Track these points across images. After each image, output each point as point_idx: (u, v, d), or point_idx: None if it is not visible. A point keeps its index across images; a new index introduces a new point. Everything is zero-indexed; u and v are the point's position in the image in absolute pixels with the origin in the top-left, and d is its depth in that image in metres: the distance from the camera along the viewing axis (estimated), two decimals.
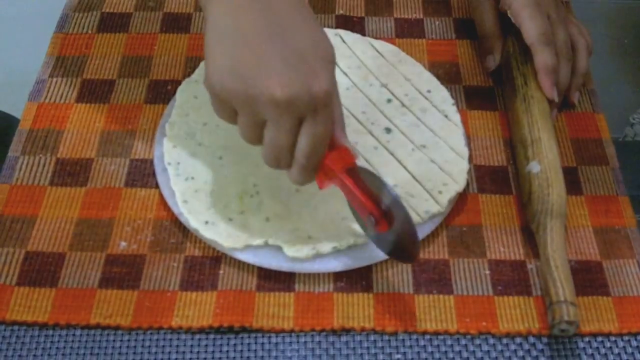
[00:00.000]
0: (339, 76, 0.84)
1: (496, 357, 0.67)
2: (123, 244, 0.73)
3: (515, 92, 0.82)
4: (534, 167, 0.74)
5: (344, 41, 0.88)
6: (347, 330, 0.68)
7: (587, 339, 0.68)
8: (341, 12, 0.95)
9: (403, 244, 0.66)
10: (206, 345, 0.67)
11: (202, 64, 0.85)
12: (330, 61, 0.63)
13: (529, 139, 0.77)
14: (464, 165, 0.77)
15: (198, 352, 0.67)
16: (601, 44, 1.15)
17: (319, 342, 0.67)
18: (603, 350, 0.67)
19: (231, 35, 0.61)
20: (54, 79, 0.87)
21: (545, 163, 0.75)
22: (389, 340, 0.68)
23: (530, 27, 0.82)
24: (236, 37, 0.61)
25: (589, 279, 0.71)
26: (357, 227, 0.71)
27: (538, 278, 0.71)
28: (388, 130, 0.79)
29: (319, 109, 0.61)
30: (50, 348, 0.67)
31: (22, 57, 1.19)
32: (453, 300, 0.70)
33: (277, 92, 0.59)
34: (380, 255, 0.70)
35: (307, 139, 0.62)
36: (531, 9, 0.82)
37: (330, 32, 0.89)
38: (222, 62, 0.61)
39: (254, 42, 0.61)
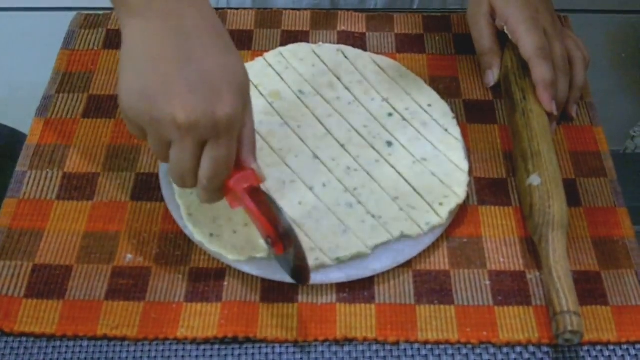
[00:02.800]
0: (341, 91, 0.85)
1: None
2: (129, 256, 0.74)
3: (514, 106, 0.83)
4: (535, 180, 0.76)
5: (345, 57, 0.89)
6: (349, 341, 0.69)
7: (586, 348, 0.69)
8: (343, 28, 0.96)
9: (297, 267, 0.67)
10: (211, 356, 0.68)
11: None
12: (238, 85, 0.64)
13: (529, 153, 0.78)
14: (464, 178, 0.78)
15: None
16: (600, 57, 1.16)
17: (322, 352, 0.68)
18: (602, 359, 0.68)
19: (141, 57, 0.63)
20: (61, 95, 0.88)
21: (545, 176, 0.76)
22: (391, 350, 0.69)
23: (527, 42, 0.83)
24: (146, 60, 0.63)
25: (588, 289, 0.72)
26: (359, 238, 0.72)
27: (537, 288, 0.72)
28: (389, 143, 0.81)
29: (221, 133, 0.63)
30: (57, 359, 0.68)
31: (29, 73, 1.20)
32: (454, 310, 0.70)
33: (180, 115, 0.61)
34: (381, 266, 0.72)
35: (209, 162, 0.64)
36: (528, 25, 0.83)
37: (332, 48, 0.90)
38: (131, 82, 0.63)
39: (162, 65, 0.62)
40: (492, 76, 0.89)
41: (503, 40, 0.90)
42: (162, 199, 0.78)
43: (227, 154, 0.64)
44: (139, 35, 0.64)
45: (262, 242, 0.71)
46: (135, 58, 0.64)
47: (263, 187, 0.70)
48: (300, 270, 0.67)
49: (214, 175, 0.65)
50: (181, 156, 0.64)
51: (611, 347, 0.69)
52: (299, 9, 0.99)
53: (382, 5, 1.09)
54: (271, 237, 0.66)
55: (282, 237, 0.66)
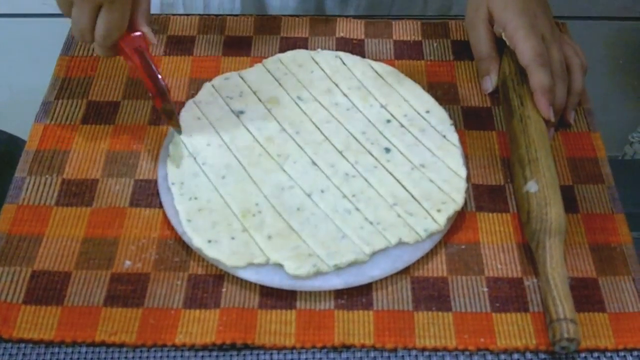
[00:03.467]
0: (340, 97, 0.86)
1: None
2: (128, 262, 0.74)
3: (512, 112, 0.84)
4: (532, 186, 0.76)
5: (344, 63, 0.90)
6: (347, 347, 0.69)
7: (583, 354, 0.69)
8: (341, 34, 0.97)
9: (172, 119, 0.81)
10: None
11: (205, 85, 0.87)
12: None
13: (526, 159, 0.78)
14: (462, 184, 0.78)
15: None
16: (598, 64, 1.17)
17: (320, 358, 0.68)
18: None
19: None
20: (60, 101, 0.88)
21: (543, 182, 0.76)
22: (389, 357, 0.69)
23: (525, 49, 0.83)
24: None
25: (585, 295, 0.72)
26: (357, 245, 0.72)
27: (535, 295, 0.72)
28: (387, 150, 0.81)
29: (114, 0, 0.75)
30: None
31: (29, 79, 1.21)
32: (452, 316, 0.71)
33: None
34: (379, 273, 0.72)
35: (102, 23, 0.76)
36: (525, 31, 0.84)
37: (330, 54, 0.90)
38: None
39: None
40: (490, 82, 0.89)
41: (501, 46, 0.90)
42: (160, 205, 0.78)
43: (119, 17, 0.76)
44: None
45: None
46: None
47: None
48: (175, 121, 0.81)
49: (107, 35, 0.77)
50: (80, 16, 0.76)
51: (608, 354, 0.69)
52: (297, 15, 0.99)
53: (363, 11, 1.09)
54: (152, 92, 0.79)
55: (160, 93, 0.79)
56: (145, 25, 0.80)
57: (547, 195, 0.75)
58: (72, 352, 0.69)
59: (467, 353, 0.69)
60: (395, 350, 0.69)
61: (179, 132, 0.82)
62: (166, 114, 0.81)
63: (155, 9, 1.13)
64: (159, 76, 0.79)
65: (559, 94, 0.84)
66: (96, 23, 0.76)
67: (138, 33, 0.79)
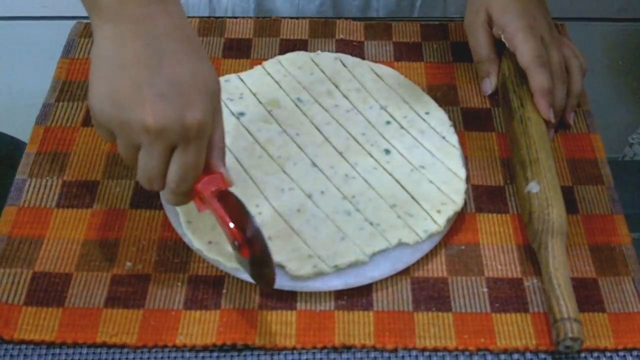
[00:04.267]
0: (340, 99, 0.86)
1: None
2: (128, 264, 0.74)
3: (512, 114, 0.84)
4: (534, 187, 0.76)
5: (344, 65, 0.90)
6: (348, 348, 0.69)
7: (583, 354, 0.69)
8: (341, 36, 0.97)
9: (263, 271, 0.67)
10: None
11: None
12: (208, 93, 0.65)
13: (527, 160, 0.79)
14: (462, 186, 0.78)
15: None
16: (598, 65, 1.17)
17: (321, 359, 0.69)
18: None
19: (112, 61, 0.63)
20: (61, 103, 0.89)
21: (544, 183, 0.76)
22: (389, 357, 0.69)
23: (525, 51, 0.83)
24: (116, 64, 0.63)
25: (585, 295, 0.72)
26: (357, 246, 0.73)
27: (535, 295, 0.72)
28: (387, 151, 0.81)
29: (190, 139, 0.63)
30: None
31: (29, 82, 1.21)
32: (452, 317, 0.71)
33: (149, 120, 0.62)
34: (379, 274, 0.72)
35: (177, 167, 0.65)
36: (525, 33, 0.84)
37: (330, 56, 0.91)
38: (101, 86, 0.64)
39: (132, 70, 0.63)
40: (490, 84, 0.89)
41: (500, 48, 0.90)
42: (161, 207, 0.78)
43: (195, 159, 0.65)
44: (110, 39, 0.64)
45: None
46: (106, 62, 0.64)
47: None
48: (266, 275, 0.67)
49: (182, 180, 0.65)
50: (149, 161, 0.65)
51: (608, 354, 0.69)
52: (297, 18, 0.99)
53: (383, 14, 1.09)
54: (238, 241, 0.66)
55: (248, 242, 0.66)
56: (223, 164, 0.69)
57: (549, 196, 0.75)
58: (73, 354, 0.69)
59: (467, 353, 0.69)
60: (395, 350, 0.69)
61: (270, 287, 0.70)
62: (256, 267, 0.68)
63: None
64: (252, 220, 0.67)
65: (558, 95, 0.84)
66: (169, 167, 0.65)
67: (215, 174, 0.68)
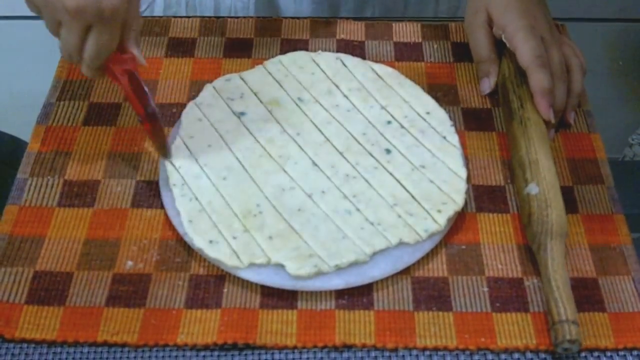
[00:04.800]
0: (340, 99, 0.86)
1: None
2: (129, 263, 0.74)
3: (512, 114, 0.84)
4: (533, 188, 0.76)
5: (344, 65, 0.90)
6: (348, 347, 0.69)
7: (583, 354, 0.69)
8: (342, 36, 0.97)
9: (161, 142, 0.81)
10: None
11: (206, 87, 0.87)
12: None
13: (527, 161, 0.79)
14: (462, 185, 0.78)
15: None
16: (599, 65, 1.17)
17: (321, 358, 0.69)
18: None
19: None
20: (62, 103, 0.89)
21: (543, 184, 0.76)
22: (390, 357, 0.69)
23: (525, 50, 0.83)
24: None
25: (585, 295, 0.72)
26: (358, 245, 0.73)
27: (535, 295, 0.72)
28: (388, 151, 0.81)
29: (104, 21, 0.73)
30: None
31: (30, 81, 1.21)
32: (452, 316, 0.71)
33: (68, 3, 0.71)
34: (380, 273, 0.72)
35: (91, 44, 0.74)
36: (525, 32, 0.84)
37: (331, 56, 0.91)
38: None
39: None
40: (489, 84, 0.89)
41: (500, 48, 0.90)
42: (162, 206, 0.78)
43: (108, 39, 0.75)
44: None
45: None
46: None
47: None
48: (163, 145, 0.80)
49: (96, 56, 0.75)
50: (69, 37, 0.74)
51: (608, 354, 0.69)
52: (298, 18, 0.99)
53: (379, 14, 1.10)
54: (140, 116, 0.78)
55: (148, 116, 0.78)
56: (135, 47, 0.78)
57: (548, 198, 0.75)
58: (74, 352, 0.69)
59: (468, 353, 0.69)
60: (396, 350, 0.69)
61: (167, 156, 0.80)
62: (155, 138, 0.81)
63: (159, 10, 1.13)
64: (150, 100, 0.78)
65: (558, 94, 0.84)
66: (85, 43, 0.74)
67: (128, 54, 0.78)
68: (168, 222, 0.77)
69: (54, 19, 0.74)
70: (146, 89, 0.78)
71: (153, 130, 0.80)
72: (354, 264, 0.72)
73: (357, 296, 0.72)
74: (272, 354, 0.69)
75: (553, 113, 0.83)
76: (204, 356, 0.69)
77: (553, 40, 0.86)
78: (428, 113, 0.85)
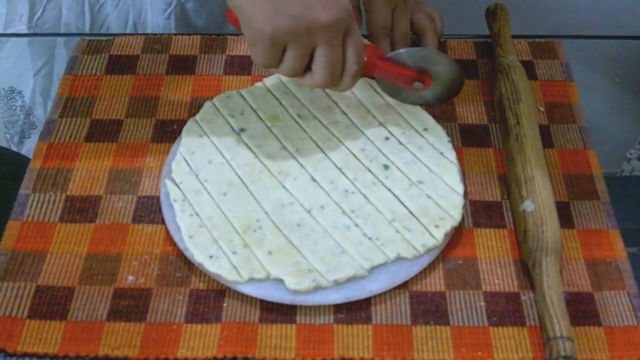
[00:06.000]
0: (339, 115, 0.87)
1: None
2: (130, 278, 0.75)
3: (508, 131, 0.85)
4: (528, 205, 0.77)
5: None
6: None
7: None
8: None
9: (449, 86, 0.86)
10: None
11: (207, 103, 0.88)
12: None
13: (522, 178, 0.79)
14: (460, 201, 0.79)
15: None
16: (595, 81, 1.18)
17: None
18: None
19: None
20: (64, 119, 0.90)
21: (539, 201, 0.77)
22: None
23: (372, 20, 0.93)
24: None
25: (580, 309, 0.73)
26: (356, 260, 0.73)
27: (532, 309, 0.73)
28: (386, 167, 0.82)
29: (352, 22, 0.74)
30: None
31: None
32: (449, 330, 0.72)
33: (325, 17, 0.71)
34: (378, 287, 0.73)
35: (354, 47, 0.75)
36: (379, 1, 0.92)
37: None
38: (266, 10, 0.71)
39: None
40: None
41: (490, 52, 0.91)
42: (163, 222, 0.79)
43: (360, 36, 0.77)
44: None
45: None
46: None
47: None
48: (454, 86, 0.86)
49: (360, 57, 0.77)
50: (332, 53, 0.74)
51: None
52: None
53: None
54: (417, 78, 0.83)
55: (424, 72, 0.83)
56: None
57: (544, 215, 0.76)
58: None
59: None
60: None
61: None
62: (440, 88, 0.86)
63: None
64: (410, 57, 0.83)
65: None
66: (346, 53, 0.75)
67: (368, 46, 0.81)
68: (169, 237, 0.78)
69: (309, 47, 0.73)
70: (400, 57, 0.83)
71: (433, 80, 0.85)
72: (353, 279, 0.73)
73: (355, 310, 0.73)
74: None
75: None
76: None
77: (404, 10, 0.94)
78: (426, 129, 0.86)
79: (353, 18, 0.74)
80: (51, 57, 1.14)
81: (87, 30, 1.11)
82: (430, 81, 0.84)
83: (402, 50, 0.83)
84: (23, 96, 1.17)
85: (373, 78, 0.87)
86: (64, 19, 1.10)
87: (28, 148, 1.22)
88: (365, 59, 0.79)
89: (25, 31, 1.11)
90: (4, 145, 1.22)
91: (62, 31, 1.12)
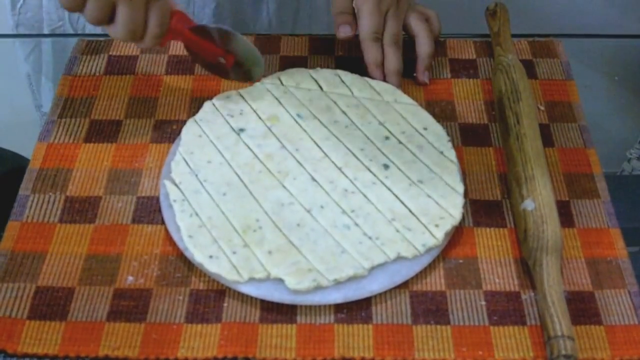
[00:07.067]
0: (339, 115, 0.87)
1: None
2: (130, 278, 0.75)
3: (508, 130, 0.85)
4: (529, 204, 0.77)
5: (342, 81, 0.91)
6: None
7: None
8: (340, 53, 0.98)
9: (249, 68, 0.88)
10: None
11: (206, 103, 0.88)
12: None
13: (523, 177, 0.79)
14: (460, 200, 0.79)
15: None
16: (595, 80, 1.18)
17: None
18: None
19: None
20: (63, 120, 0.90)
21: (539, 200, 0.77)
22: None
23: (364, 25, 0.92)
24: None
25: (581, 308, 0.73)
26: (356, 259, 0.73)
27: (532, 308, 0.73)
28: (386, 166, 0.82)
29: None
30: None
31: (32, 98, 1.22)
32: (450, 330, 0.71)
33: None
34: (378, 287, 0.73)
35: (156, 12, 0.77)
36: (370, 6, 0.91)
37: (329, 72, 0.92)
38: None
39: None
40: (350, 30, 0.94)
41: (489, 51, 0.91)
42: (162, 222, 0.79)
43: (168, 2, 0.79)
44: None
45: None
46: None
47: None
48: (253, 70, 0.88)
49: (163, 21, 0.79)
50: (133, 13, 0.76)
51: None
52: (297, 35, 1.00)
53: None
54: (221, 55, 0.86)
55: (227, 50, 0.85)
56: (176, 5, 0.82)
57: (544, 214, 0.76)
58: None
59: None
60: None
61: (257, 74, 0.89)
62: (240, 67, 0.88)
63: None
64: (214, 29, 0.84)
65: (388, 59, 0.92)
66: (149, 15, 0.77)
67: (177, 13, 0.82)
68: (168, 237, 0.78)
69: (108, 1, 0.75)
70: (210, 26, 0.84)
71: (236, 60, 0.86)
72: (353, 278, 0.73)
73: (355, 310, 0.73)
74: None
75: (389, 76, 0.91)
76: None
77: (396, 14, 0.93)
78: (425, 129, 0.86)
79: None
80: (38, 42, 1.16)
81: (66, 19, 1.12)
82: (232, 60, 0.86)
83: (211, 25, 0.84)
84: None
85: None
86: (45, 7, 1.11)
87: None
88: (171, 24, 0.80)
89: (9, 21, 1.13)
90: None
91: (44, 20, 1.14)
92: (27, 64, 1.17)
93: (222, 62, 0.86)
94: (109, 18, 0.77)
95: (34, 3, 1.11)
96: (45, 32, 1.14)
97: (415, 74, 0.94)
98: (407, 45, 0.95)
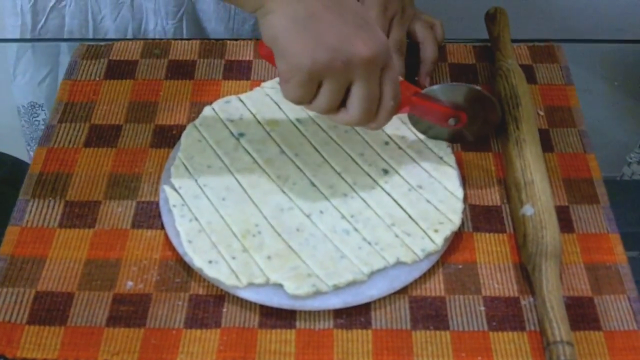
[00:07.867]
0: None
1: None
2: (130, 283, 0.75)
3: (507, 136, 0.85)
4: (528, 210, 0.77)
5: None
6: None
7: None
8: None
9: (485, 119, 0.84)
10: None
11: (206, 108, 0.88)
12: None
13: (522, 182, 0.79)
14: (459, 205, 0.79)
15: None
16: (595, 85, 1.18)
17: None
18: None
19: (303, 19, 0.68)
20: (63, 125, 0.90)
21: (538, 205, 0.77)
22: None
23: None
24: (309, 19, 0.68)
25: (580, 314, 0.73)
26: (355, 265, 0.73)
27: (531, 314, 0.73)
28: (385, 171, 0.82)
29: (390, 57, 0.72)
30: None
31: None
32: (449, 335, 0.71)
33: (364, 52, 0.68)
34: (378, 292, 0.73)
35: (391, 84, 0.72)
36: (376, 12, 0.91)
37: None
38: (304, 42, 0.68)
39: (326, 18, 0.69)
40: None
41: (489, 56, 0.91)
42: (162, 227, 0.79)
43: (396, 71, 0.74)
44: (290, 3, 0.69)
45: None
46: (297, 23, 0.68)
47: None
48: (490, 120, 0.84)
49: (396, 94, 0.73)
50: (369, 89, 0.70)
51: None
52: None
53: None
54: (453, 115, 0.80)
55: (459, 108, 0.80)
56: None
57: (543, 219, 0.76)
58: None
59: None
60: None
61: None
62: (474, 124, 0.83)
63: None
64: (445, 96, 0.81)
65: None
66: (383, 89, 0.72)
67: (402, 82, 0.78)
68: (168, 242, 0.78)
69: (345, 82, 0.70)
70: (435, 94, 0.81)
71: (470, 116, 0.81)
72: (352, 284, 0.73)
73: (355, 315, 0.73)
74: None
75: None
76: None
77: (400, 21, 0.94)
78: None
79: (391, 54, 0.72)
80: (55, 65, 1.14)
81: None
82: (465, 117, 0.81)
83: (435, 86, 0.80)
84: (44, 109, 1.17)
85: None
86: (67, 26, 1.10)
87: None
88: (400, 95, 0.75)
89: (18, 31, 1.11)
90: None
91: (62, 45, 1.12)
92: (40, 91, 1.16)
93: (453, 123, 0.81)
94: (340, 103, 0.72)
95: (55, 23, 1.10)
96: (66, 52, 1.13)
97: (417, 78, 0.94)
98: (409, 50, 0.95)
